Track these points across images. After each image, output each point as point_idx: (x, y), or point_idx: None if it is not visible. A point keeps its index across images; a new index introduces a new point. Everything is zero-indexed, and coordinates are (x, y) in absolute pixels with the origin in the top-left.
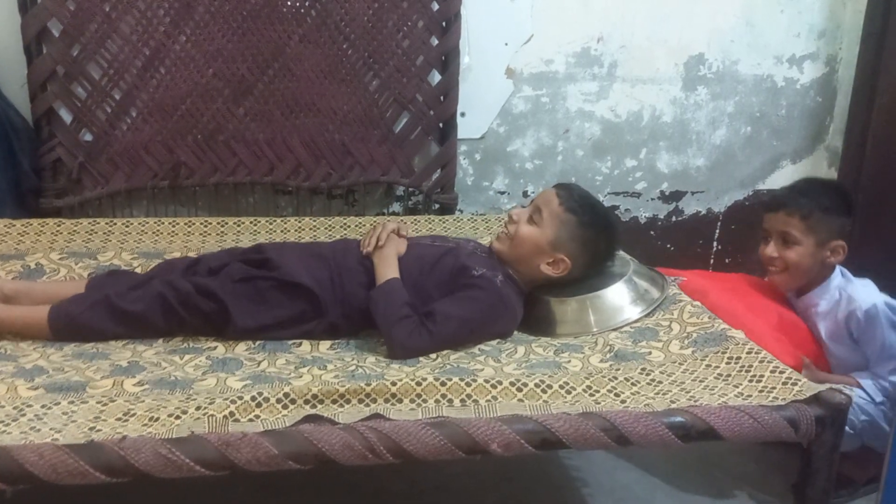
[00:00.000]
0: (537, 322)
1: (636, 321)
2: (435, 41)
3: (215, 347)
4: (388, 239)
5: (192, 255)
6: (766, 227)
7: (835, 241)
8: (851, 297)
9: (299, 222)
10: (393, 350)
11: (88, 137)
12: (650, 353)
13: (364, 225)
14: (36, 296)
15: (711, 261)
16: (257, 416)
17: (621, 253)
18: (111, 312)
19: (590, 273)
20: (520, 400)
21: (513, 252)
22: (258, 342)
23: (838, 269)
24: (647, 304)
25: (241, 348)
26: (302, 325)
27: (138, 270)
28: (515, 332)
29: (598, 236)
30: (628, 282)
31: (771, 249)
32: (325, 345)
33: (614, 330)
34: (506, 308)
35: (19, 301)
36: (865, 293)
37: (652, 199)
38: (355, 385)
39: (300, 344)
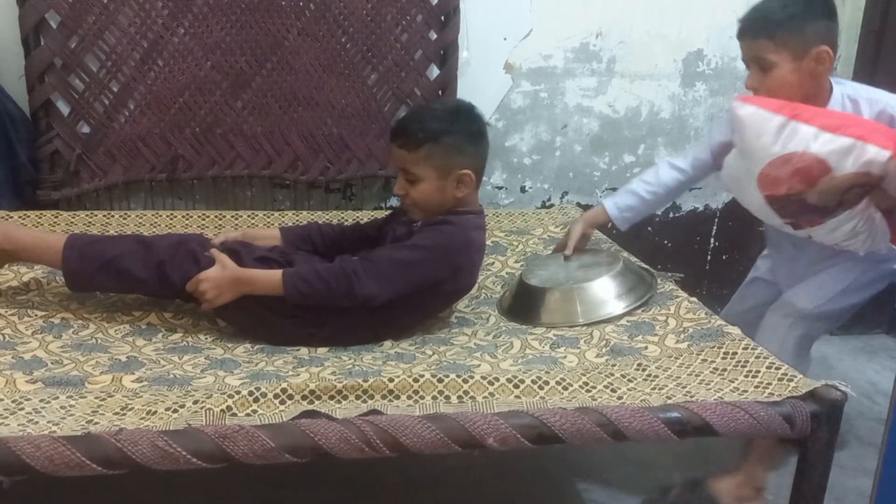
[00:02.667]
0: (523, 309)
1: (622, 315)
2: (434, 35)
3: (214, 348)
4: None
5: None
6: (743, 57)
7: (816, 48)
8: (872, 98)
9: (297, 216)
10: (358, 293)
11: (86, 129)
12: (646, 347)
13: (362, 220)
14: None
15: (709, 257)
16: (255, 411)
17: (615, 248)
18: (134, 240)
19: (484, 152)
20: (517, 396)
21: (428, 208)
22: (256, 346)
23: (836, 81)
24: (633, 300)
25: (240, 350)
26: (304, 328)
27: None
28: (511, 324)
29: (455, 129)
30: (616, 276)
31: (750, 81)
32: (322, 349)
33: (607, 323)
34: (466, 234)
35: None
36: (882, 94)
37: None
38: (352, 381)
39: (298, 348)
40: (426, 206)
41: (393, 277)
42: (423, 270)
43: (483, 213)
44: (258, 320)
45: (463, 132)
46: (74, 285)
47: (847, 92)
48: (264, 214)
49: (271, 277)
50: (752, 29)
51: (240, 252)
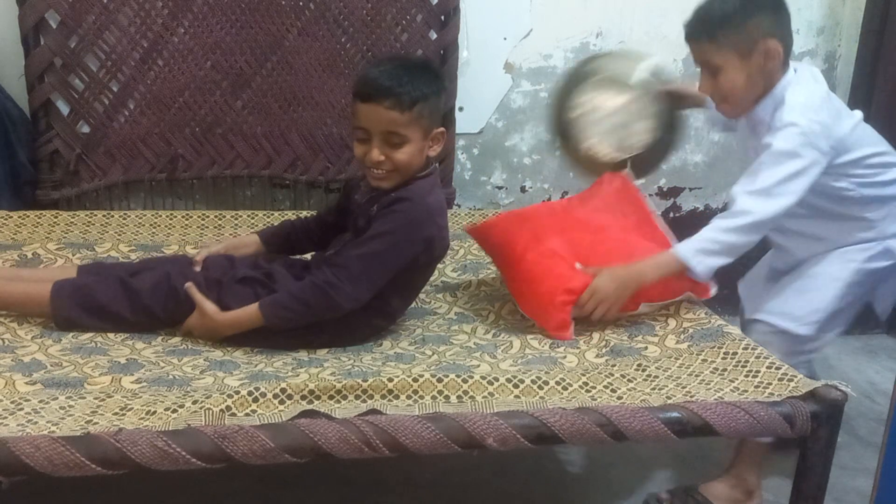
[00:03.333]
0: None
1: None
2: (433, 35)
3: (214, 350)
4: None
5: (189, 248)
6: (693, 59)
7: (763, 43)
8: (784, 101)
9: (297, 216)
10: (339, 302)
11: (86, 129)
12: (646, 347)
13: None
14: (26, 279)
15: None
16: (254, 411)
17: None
18: (119, 285)
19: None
20: (516, 396)
21: (408, 172)
22: (256, 348)
23: (789, 77)
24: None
25: (239, 352)
26: (302, 338)
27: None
28: (510, 322)
29: (437, 86)
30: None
31: (701, 85)
32: (322, 350)
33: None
34: (424, 204)
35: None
36: (802, 100)
37: (650, 195)
38: (352, 381)
39: (297, 350)
40: (405, 170)
41: (368, 274)
42: (394, 256)
43: (435, 170)
44: (257, 333)
45: (438, 89)
46: (65, 326)
47: (780, 96)
48: (264, 214)
49: (251, 314)
50: (693, 32)
51: (220, 280)
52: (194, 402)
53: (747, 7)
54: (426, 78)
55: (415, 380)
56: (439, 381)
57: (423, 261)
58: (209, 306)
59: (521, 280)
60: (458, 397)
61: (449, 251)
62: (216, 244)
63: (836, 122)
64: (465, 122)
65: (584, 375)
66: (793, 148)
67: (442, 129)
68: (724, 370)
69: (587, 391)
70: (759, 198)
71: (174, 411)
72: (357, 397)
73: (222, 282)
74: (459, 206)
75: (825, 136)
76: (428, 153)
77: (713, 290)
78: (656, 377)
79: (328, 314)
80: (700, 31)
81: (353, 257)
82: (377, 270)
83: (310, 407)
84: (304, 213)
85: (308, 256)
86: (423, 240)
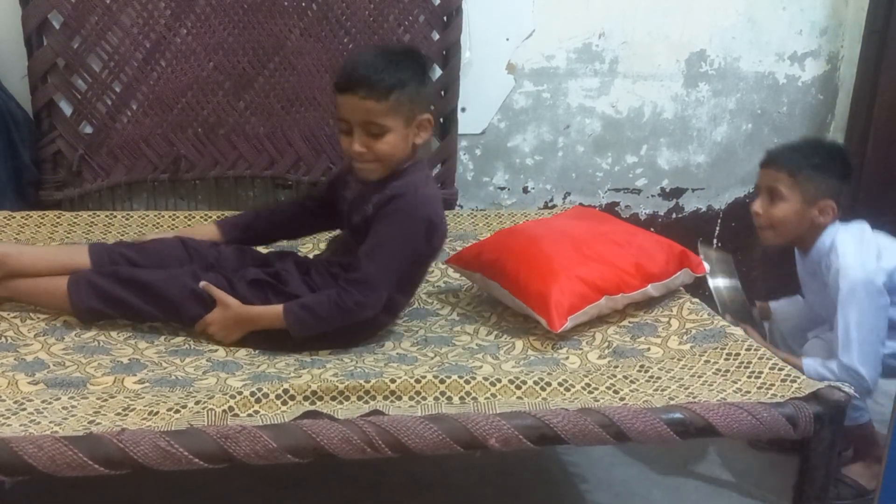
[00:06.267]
0: None
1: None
2: (436, 36)
3: (216, 350)
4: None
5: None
6: (758, 182)
7: (823, 201)
8: (839, 257)
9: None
10: (366, 316)
11: (89, 130)
12: (649, 349)
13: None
14: (31, 260)
15: None
16: (256, 412)
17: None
18: (130, 279)
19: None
20: (519, 398)
21: (391, 162)
22: (258, 348)
23: (836, 227)
24: None
25: (242, 353)
26: (306, 344)
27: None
28: (512, 324)
29: (415, 73)
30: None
31: (757, 205)
32: (324, 351)
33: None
34: (420, 195)
35: (8, 265)
36: (855, 256)
37: (652, 196)
38: (354, 382)
39: (300, 351)
40: (389, 160)
41: (386, 281)
42: (405, 255)
43: (423, 160)
44: (259, 334)
45: (420, 75)
46: (87, 318)
47: (834, 240)
48: None
49: (274, 316)
50: (777, 160)
51: (231, 279)
52: (197, 403)
53: (832, 167)
54: (404, 64)
55: (417, 381)
56: (442, 382)
57: (425, 252)
58: (232, 300)
59: (525, 269)
60: (461, 398)
61: (451, 252)
62: (167, 232)
63: (886, 261)
64: (468, 122)
65: (586, 376)
66: (861, 301)
67: (427, 115)
68: (727, 371)
69: (590, 392)
70: (864, 365)
71: (177, 412)
72: (359, 398)
73: (233, 281)
74: (462, 207)
75: (884, 276)
76: (414, 141)
77: (707, 267)
78: (659, 378)
79: (354, 324)
80: (786, 162)
81: (371, 269)
82: (393, 274)
83: (312, 408)
84: None
85: (310, 256)
86: (424, 232)
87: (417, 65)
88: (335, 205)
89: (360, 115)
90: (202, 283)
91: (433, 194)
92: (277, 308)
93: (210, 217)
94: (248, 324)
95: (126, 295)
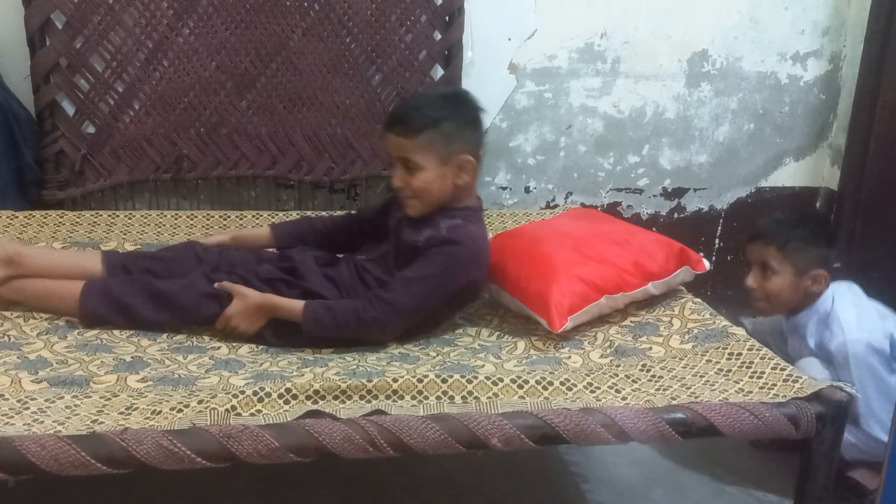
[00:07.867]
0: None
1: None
2: (438, 35)
3: (219, 348)
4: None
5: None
6: (747, 257)
7: (814, 271)
8: (843, 331)
9: (301, 216)
10: (382, 339)
11: (91, 129)
12: (650, 348)
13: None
14: (46, 262)
15: (713, 258)
16: (259, 411)
17: None
18: (145, 287)
19: (482, 139)
20: (521, 397)
21: (429, 200)
22: (261, 346)
23: (830, 292)
24: None
25: (245, 350)
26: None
27: None
28: (514, 324)
29: (453, 114)
30: None
31: (750, 279)
32: (326, 350)
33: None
34: (474, 249)
35: (24, 264)
36: (860, 329)
37: (654, 196)
38: (357, 381)
39: (302, 349)
40: (427, 197)
41: (412, 313)
42: (440, 296)
43: (481, 205)
44: (261, 335)
45: (461, 117)
46: (93, 324)
47: (830, 310)
48: (269, 214)
49: (293, 310)
50: (765, 235)
51: (246, 278)
52: (199, 402)
53: (819, 238)
54: (444, 106)
55: (419, 380)
56: (444, 381)
57: (455, 300)
58: (249, 290)
59: (525, 270)
60: (463, 398)
61: None
62: (222, 234)
63: (885, 325)
64: None
65: (588, 376)
66: (875, 371)
67: (468, 157)
68: (729, 371)
69: (591, 392)
70: (885, 432)
71: (179, 411)
72: (362, 397)
73: (248, 280)
74: None
75: (885, 338)
76: (455, 182)
77: (707, 265)
78: (661, 378)
79: (365, 341)
80: (774, 237)
81: (403, 296)
82: (421, 309)
83: (314, 407)
84: (308, 214)
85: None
86: (467, 280)
87: (460, 107)
88: (386, 223)
89: (395, 151)
90: (216, 284)
91: (486, 249)
92: (298, 305)
93: (212, 217)
94: (269, 311)
95: (138, 303)
